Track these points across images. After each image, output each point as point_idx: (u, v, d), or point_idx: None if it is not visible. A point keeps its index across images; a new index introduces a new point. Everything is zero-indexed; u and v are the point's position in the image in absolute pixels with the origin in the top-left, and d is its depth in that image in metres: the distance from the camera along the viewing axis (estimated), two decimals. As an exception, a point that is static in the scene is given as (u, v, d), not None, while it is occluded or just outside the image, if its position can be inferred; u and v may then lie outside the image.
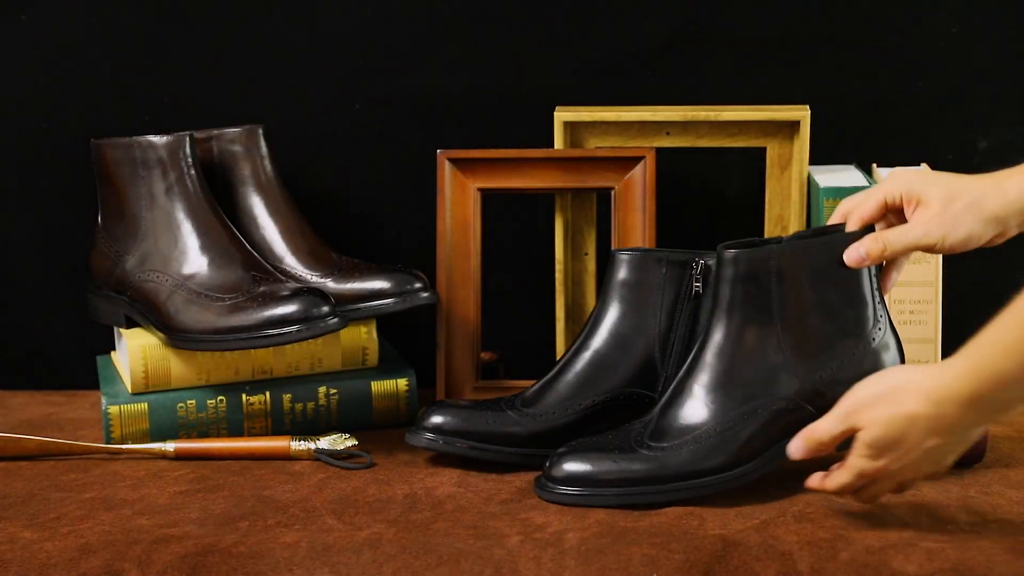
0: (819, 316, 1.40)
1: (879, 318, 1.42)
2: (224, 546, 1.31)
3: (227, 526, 1.35)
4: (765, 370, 1.38)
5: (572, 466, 1.39)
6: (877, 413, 1.27)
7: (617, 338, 1.50)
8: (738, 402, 1.38)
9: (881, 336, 1.42)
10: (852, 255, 1.38)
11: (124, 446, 1.55)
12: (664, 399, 1.42)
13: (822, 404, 1.37)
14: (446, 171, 1.68)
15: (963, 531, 1.31)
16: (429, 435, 1.50)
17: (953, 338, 1.31)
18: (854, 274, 1.41)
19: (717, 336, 1.40)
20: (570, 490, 1.38)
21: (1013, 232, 1.37)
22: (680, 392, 1.40)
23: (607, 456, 1.38)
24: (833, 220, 1.43)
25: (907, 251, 1.38)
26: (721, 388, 1.38)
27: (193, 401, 1.59)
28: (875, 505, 1.36)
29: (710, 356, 1.39)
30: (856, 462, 1.29)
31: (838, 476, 1.31)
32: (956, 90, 1.78)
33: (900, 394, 1.25)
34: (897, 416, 1.26)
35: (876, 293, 1.42)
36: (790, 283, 1.39)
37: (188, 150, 1.61)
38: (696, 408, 1.39)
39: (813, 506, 1.37)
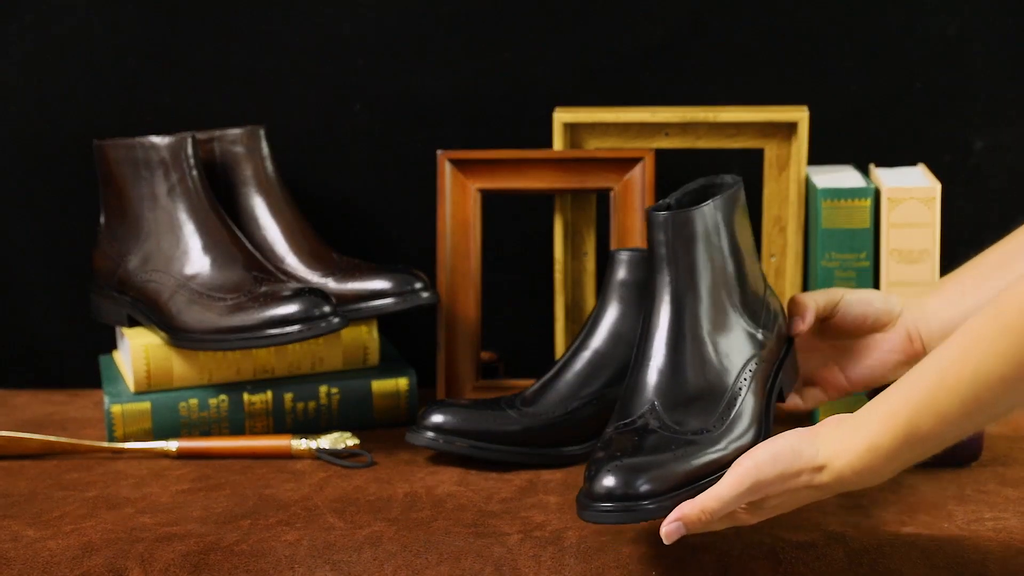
0: (746, 265, 1.36)
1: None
2: (226, 544, 1.31)
3: (229, 524, 1.36)
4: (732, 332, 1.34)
5: (610, 480, 1.24)
6: (775, 489, 1.22)
7: (616, 338, 1.51)
8: (715, 366, 1.32)
9: None
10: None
11: (126, 445, 1.55)
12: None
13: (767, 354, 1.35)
14: (446, 171, 1.68)
15: (959, 530, 1.31)
16: (429, 434, 1.50)
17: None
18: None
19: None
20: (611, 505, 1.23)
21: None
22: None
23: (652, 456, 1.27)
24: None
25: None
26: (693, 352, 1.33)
27: (195, 400, 1.60)
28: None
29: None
30: (733, 505, 1.22)
31: (705, 503, 1.22)
32: (954, 90, 1.78)
33: (801, 472, 1.21)
34: (797, 490, 1.22)
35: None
36: (714, 241, 1.34)
37: (190, 151, 1.62)
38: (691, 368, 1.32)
39: (810, 505, 1.37)
